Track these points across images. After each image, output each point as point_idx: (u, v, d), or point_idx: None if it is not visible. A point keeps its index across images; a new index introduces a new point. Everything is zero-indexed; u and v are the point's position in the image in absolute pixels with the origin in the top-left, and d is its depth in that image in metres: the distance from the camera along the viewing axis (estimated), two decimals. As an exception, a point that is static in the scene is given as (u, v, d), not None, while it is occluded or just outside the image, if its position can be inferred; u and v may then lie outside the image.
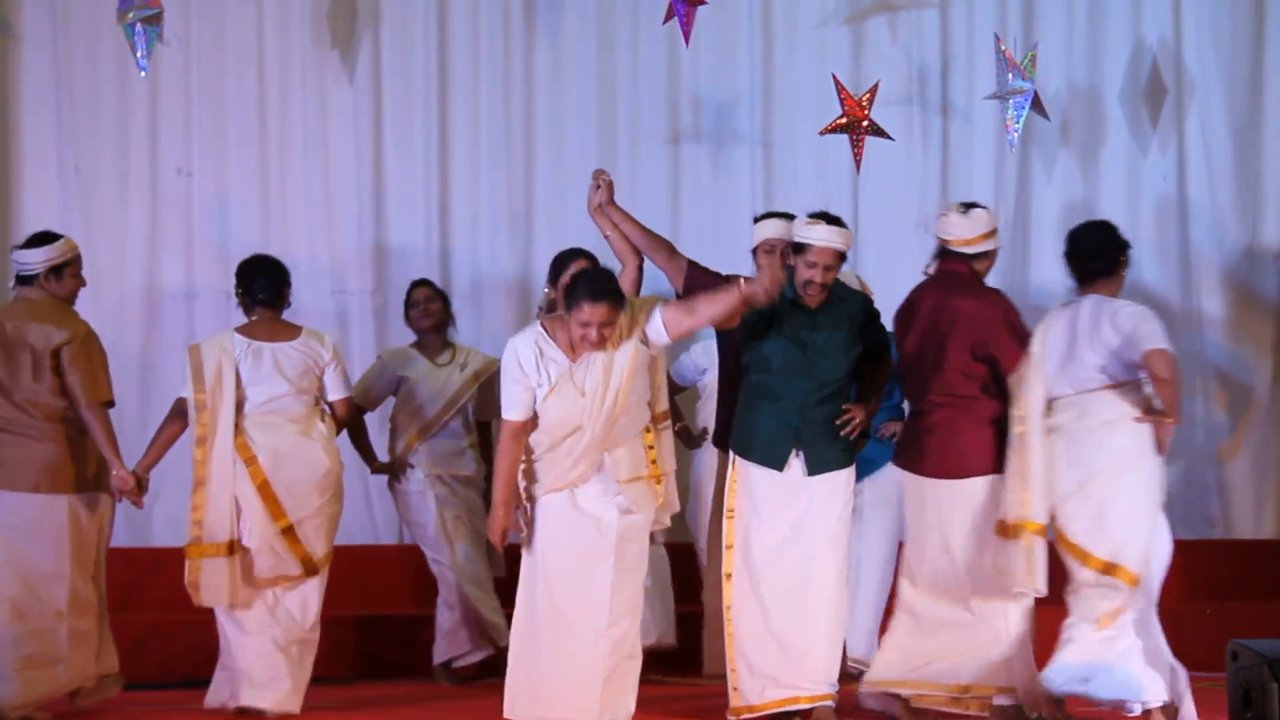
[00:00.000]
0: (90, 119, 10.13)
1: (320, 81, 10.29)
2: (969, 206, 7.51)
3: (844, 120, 9.50)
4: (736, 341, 7.58)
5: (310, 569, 7.66)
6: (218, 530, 7.60)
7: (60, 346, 7.77)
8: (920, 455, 7.39)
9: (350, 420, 8.12)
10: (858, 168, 9.75)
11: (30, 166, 10.10)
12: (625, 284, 7.62)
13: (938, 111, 10.55)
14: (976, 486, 7.26)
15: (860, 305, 7.50)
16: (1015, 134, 9.80)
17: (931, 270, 7.54)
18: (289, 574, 7.63)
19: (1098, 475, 7.19)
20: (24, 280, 7.93)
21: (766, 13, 10.51)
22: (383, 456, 9.06)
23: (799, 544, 7.25)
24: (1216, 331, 10.58)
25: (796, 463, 7.30)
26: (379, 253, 10.34)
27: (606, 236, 7.82)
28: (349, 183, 10.36)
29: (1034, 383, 7.27)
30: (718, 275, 7.70)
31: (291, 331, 7.93)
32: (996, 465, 7.25)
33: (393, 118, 10.37)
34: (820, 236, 7.25)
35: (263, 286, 7.94)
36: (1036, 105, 9.77)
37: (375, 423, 9.21)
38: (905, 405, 7.86)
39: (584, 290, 6.91)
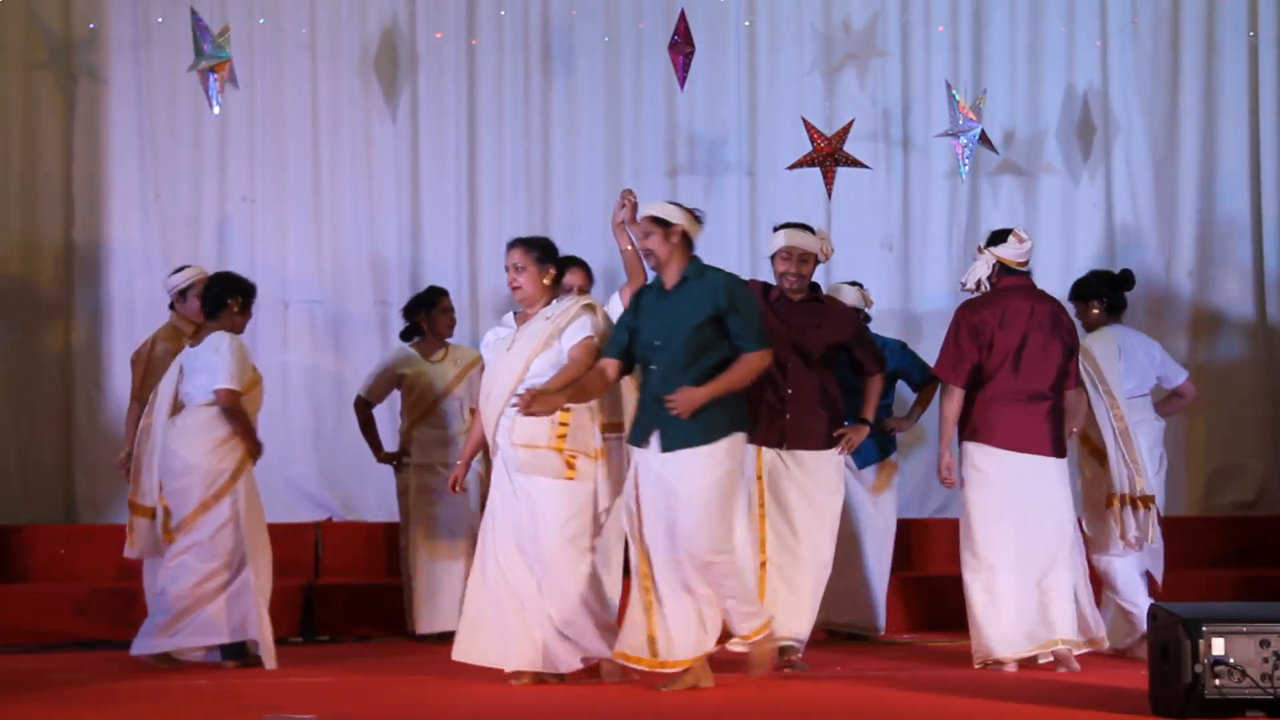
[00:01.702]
0: (168, 154, 10.20)
1: (366, 121, 10.34)
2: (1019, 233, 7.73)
3: (812, 156, 9.72)
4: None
5: (167, 538, 7.76)
6: (147, 497, 7.87)
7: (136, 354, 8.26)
8: (1040, 438, 7.53)
9: (234, 407, 7.74)
10: (829, 195, 9.94)
11: (117, 195, 10.15)
12: (627, 297, 7.50)
13: (899, 146, 10.54)
14: (1064, 465, 7.67)
15: (720, 285, 6.92)
16: (965, 166, 9.99)
17: (985, 286, 7.67)
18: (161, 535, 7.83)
19: (1158, 461, 8.26)
20: (171, 305, 8.39)
21: (752, 61, 10.52)
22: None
23: (661, 515, 6.86)
24: None
25: (654, 440, 6.88)
26: (415, 268, 10.36)
27: (623, 251, 7.58)
28: (390, 208, 10.40)
29: (1119, 387, 8.07)
30: None
31: (207, 333, 7.89)
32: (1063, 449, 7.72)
33: (428, 152, 10.41)
34: (641, 211, 7.03)
35: (207, 299, 7.95)
36: (984, 140, 9.96)
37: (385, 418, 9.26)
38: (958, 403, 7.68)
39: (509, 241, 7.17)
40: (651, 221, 6.96)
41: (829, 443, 7.56)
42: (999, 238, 7.75)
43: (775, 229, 7.67)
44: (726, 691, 7.00)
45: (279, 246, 10.30)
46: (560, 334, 7.04)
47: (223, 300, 7.89)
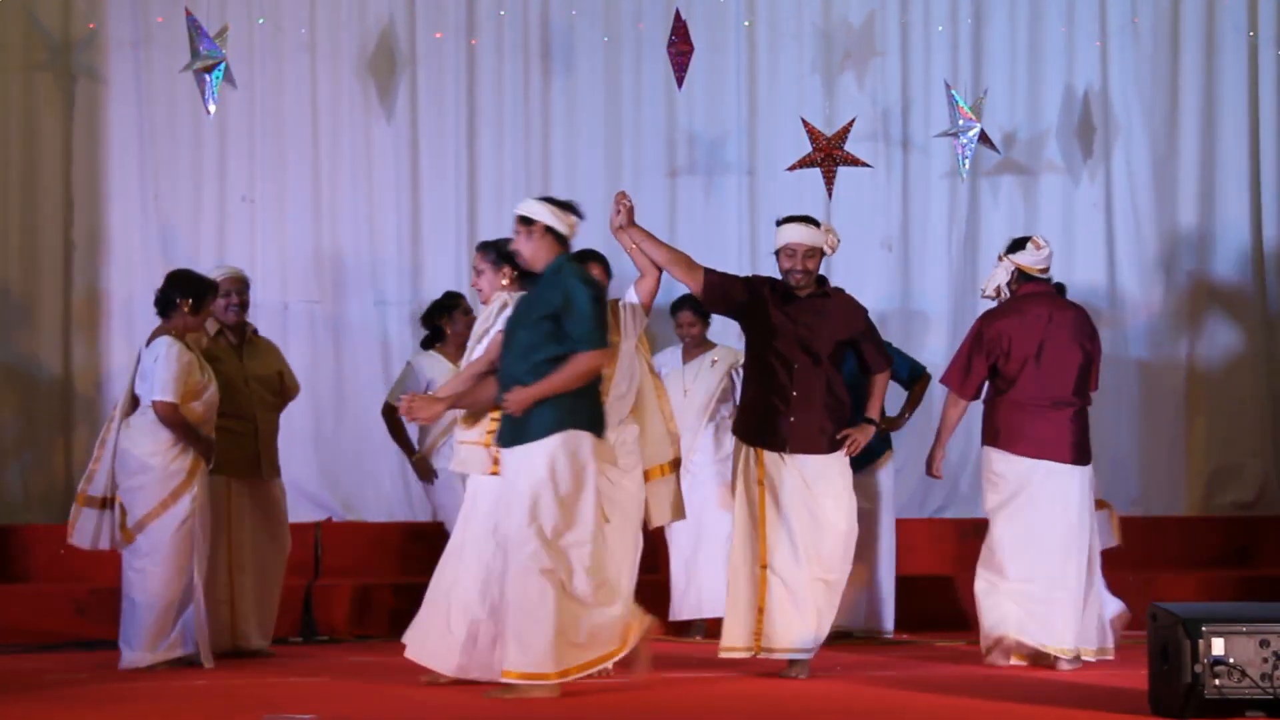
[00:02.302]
0: (168, 154, 10.19)
1: (365, 121, 10.33)
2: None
3: (812, 156, 9.72)
4: (757, 339, 7.40)
5: (125, 536, 7.80)
6: (101, 487, 7.84)
7: None
8: (1061, 445, 7.64)
9: (169, 418, 7.69)
10: (829, 195, 9.96)
11: (116, 195, 10.14)
12: (643, 291, 7.37)
13: (899, 146, 10.54)
14: (1087, 472, 7.77)
15: (561, 282, 6.72)
16: (965, 166, 10.01)
17: (1005, 293, 7.75)
18: (113, 537, 7.84)
19: None
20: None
21: (752, 61, 10.53)
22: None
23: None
24: (1138, 335, 10.61)
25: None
26: (415, 268, 10.36)
27: (628, 251, 7.45)
28: (389, 208, 10.40)
29: None
30: (735, 278, 7.50)
31: (157, 334, 7.88)
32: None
33: (427, 151, 10.40)
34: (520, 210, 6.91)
35: (158, 299, 7.92)
36: (984, 140, 10.00)
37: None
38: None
39: None
40: (517, 221, 6.87)
41: (834, 445, 7.40)
42: (1018, 245, 7.81)
43: (778, 223, 7.57)
44: (726, 690, 7.02)
45: (278, 247, 10.29)
46: (487, 333, 7.05)
47: (171, 300, 7.83)
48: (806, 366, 7.37)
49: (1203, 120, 10.64)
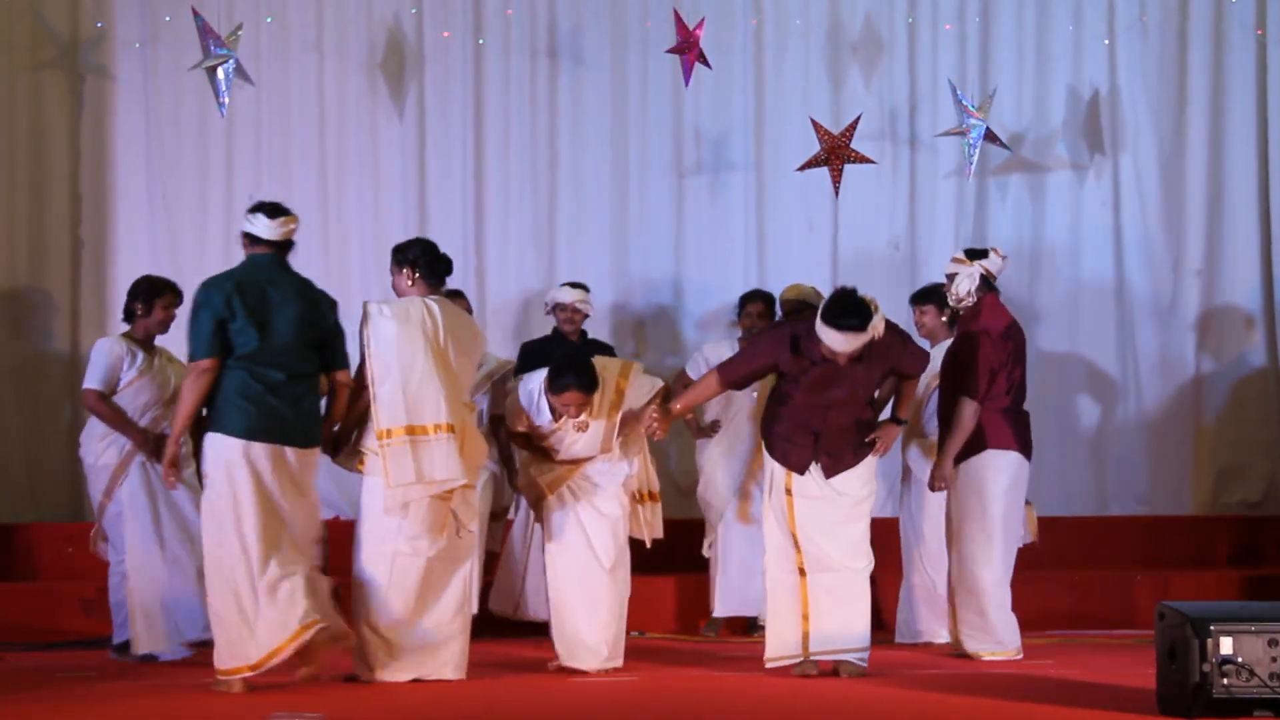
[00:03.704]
0: (175, 152, 10.21)
1: (372, 120, 10.34)
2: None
3: (820, 155, 9.70)
4: (789, 384, 7.30)
5: (94, 538, 8.04)
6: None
7: None
8: (1029, 444, 7.93)
9: (92, 406, 7.93)
10: (836, 193, 9.94)
11: (124, 194, 10.16)
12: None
13: (906, 145, 10.53)
14: None
15: None
16: (972, 164, 10.00)
17: (970, 299, 7.84)
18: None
19: None
20: None
21: (759, 60, 10.52)
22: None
23: None
24: (1146, 335, 10.59)
25: None
26: (422, 268, 10.45)
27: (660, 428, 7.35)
28: (396, 206, 10.39)
29: None
30: (753, 363, 7.34)
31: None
32: None
33: (434, 151, 10.40)
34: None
35: (125, 306, 8.14)
36: (991, 139, 9.99)
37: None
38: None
39: None
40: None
41: (862, 451, 7.30)
42: (980, 253, 7.92)
43: (822, 318, 7.02)
44: (726, 688, 7.00)
45: (285, 245, 10.29)
46: None
47: (128, 307, 8.09)
48: (841, 411, 7.25)
49: (1211, 118, 10.63)
